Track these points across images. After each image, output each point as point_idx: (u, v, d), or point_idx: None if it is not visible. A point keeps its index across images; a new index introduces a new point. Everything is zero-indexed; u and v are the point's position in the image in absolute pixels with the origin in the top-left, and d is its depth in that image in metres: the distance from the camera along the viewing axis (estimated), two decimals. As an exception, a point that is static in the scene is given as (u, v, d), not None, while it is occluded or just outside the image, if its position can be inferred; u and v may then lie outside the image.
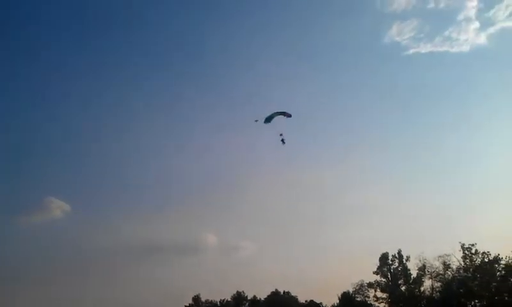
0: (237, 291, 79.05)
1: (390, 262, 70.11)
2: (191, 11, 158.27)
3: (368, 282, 70.76)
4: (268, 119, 39.26)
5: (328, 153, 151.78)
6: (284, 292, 78.15)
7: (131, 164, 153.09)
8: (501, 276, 64.22)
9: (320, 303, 75.39)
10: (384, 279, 69.88)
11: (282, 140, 39.93)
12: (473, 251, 65.48)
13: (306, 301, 76.32)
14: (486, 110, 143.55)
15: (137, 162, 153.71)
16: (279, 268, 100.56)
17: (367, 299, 70.76)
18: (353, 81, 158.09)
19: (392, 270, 69.75)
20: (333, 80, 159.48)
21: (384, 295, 69.33)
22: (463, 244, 65.79)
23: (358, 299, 71.01)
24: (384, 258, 70.44)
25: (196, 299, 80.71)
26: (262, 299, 78.15)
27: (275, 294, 77.54)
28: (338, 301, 72.85)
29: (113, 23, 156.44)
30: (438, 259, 66.71)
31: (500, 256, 64.33)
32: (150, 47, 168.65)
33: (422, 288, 68.10)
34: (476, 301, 65.39)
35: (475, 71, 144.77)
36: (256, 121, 39.81)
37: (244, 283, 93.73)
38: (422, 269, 67.81)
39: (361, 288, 70.96)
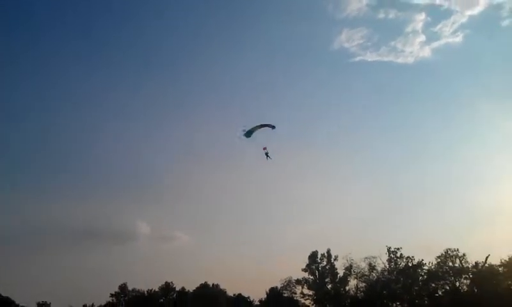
0: (166, 282, 76.76)
1: (319, 260, 70.05)
2: None
3: (296, 279, 70.58)
4: (248, 134, 35.89)
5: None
6: (213, 285, 76.78)
7: (72, 145, 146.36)
8: (423, 281, 65.64)
9: (248, 297, 74.64)
10: (312, 277, 69.84)
11: (266, 154, 36.84)
12: (398, 255, 66.52)
13: (234, 295, 75.35)
14: (424, 119, 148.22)
15: (78, 144, 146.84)
16: (210, 261, 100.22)
17: (293, 295, 70.69)
18: (304, 86, 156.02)
19: (320, 269, 69.65)
20: (282, 79, 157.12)
21: (311, 292, 69.42)
22: (389, 247, 66.72)
23: (285, 295, 70.76)
24: (313, 256, 70.25)
25: (123, 287, 77.70)
26: (191, 290, 76.39)
27: (204, 286, 75.96)
28: (266, 296, 72.15)
29: None
30: (365, 261, 67.41)
31: (424, 262, 65.79)
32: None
33: (347, 287, 68.73)
34: (398, 303, 66.64)
35: (417, 83, 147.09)
36: (241, 133, 36.51)
37: (174, 273, 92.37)
38: (349, 269, 68.30)
39: (289, 284, 70.72)
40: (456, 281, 65.01)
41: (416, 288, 65.55)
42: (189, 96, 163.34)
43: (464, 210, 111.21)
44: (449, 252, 64.86)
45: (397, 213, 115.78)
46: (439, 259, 65.06)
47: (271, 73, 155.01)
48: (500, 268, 64.06)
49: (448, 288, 64.98)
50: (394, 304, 66.47)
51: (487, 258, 63.71)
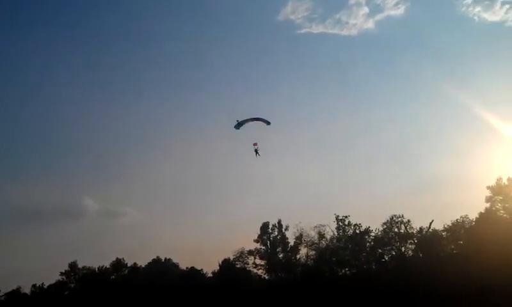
0: (117, 258, 75.26)
1: (270, 231, 70.46)
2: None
3: (248, 249, 70.86)
4: (238, 126, 33.54)
5: (221, 124, 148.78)
6: (165, 259, 75.98)
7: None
8: (370, 247, 67.24)
9: (201, 270, 74.41)
10: (263, 247, 70.23)
11: (256, 150, 34.48)
12: (346, 223, 67.73)
13: (187, 268, 74.88)
14: (368, 92, 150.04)
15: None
16: (162, 236, 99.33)
17: (246, 265, 70.94)
18: (248, 53, 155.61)
19: (271, 239, 70.11)
20: (229, 51, 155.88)
21: (263, 262, 69.93)
22: (338, 216, 67.86)
23: (238, 266, 70.91)
24: (265, 226, 70.64)
25: (73, 265, 75.64)
26: (143, 266, 75.37)
27: (156, 261, 75.03)
28: (218, 268, 72.09)
29: None
30: (314, 229, 68.42)
31: (371, 229, 67.32)
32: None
33: (298, 256, 69.59)
34: (347, 269, 68.07)
35: (362, 55, 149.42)
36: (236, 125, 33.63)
37: (125, 250, 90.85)
38: (299, 238, 69.16)
39: (241, 255, 70.84)
40: (402, 247, 67.07)
41: (364, 254, 67.15)
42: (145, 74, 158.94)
43: (409, 177, 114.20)
44: (394, 218, 66.54)
45: (345, 183, 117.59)
46: (385, 226, 66.73)
47: (214, 44, 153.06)
48: (443, 233, 66.55)
49: (394, 253, 66.97)
50: (343, 270, 67.86)
51: (431, 223, 65.94)
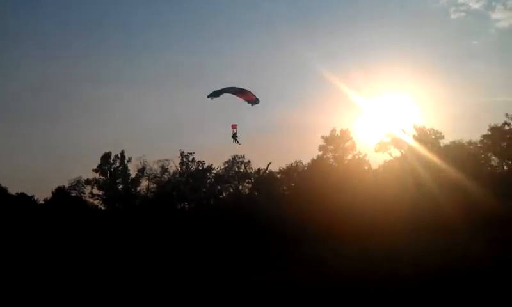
0: None
1: (112, 162, 67.59)
2: None
3: (86, 179, 67.54)
4: (214, 95, 23.28)
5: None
6: (-9, 183, 68.82)
7: None
8: (210, 183, 69.17)
9: (32, 196, 69.38)
10: (103, 177, 67.51)
11: (234, 136, 24.88)
12: (190, 159, 68.07)
13: (17, 194, 69.08)
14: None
15: None
16: None
17: (82, 195, 67.98)
18: None
19: (112, 170, 67.53)
20: None
21: (101, 193, 67.65)
22: (183, 152, 67.69)
23: (73, 195, 67.57)
24: (106, 157, 67.41)
25: None
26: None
27: (-22, 184, 67.62)
28: (51, 195, 67.94)
29: None
30: (158, 163, 67.55)
31: (213, 166, 68.88)
32: None
33: (138, 188, 68.60)
34: (186, 203, 69.66)
35: None
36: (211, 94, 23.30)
37: None
38: (142, 171, 67.77)
39: (77, 184, 67.34)
40: (240, 185, 70.37)
41: (204, 190, 68.94)
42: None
43: (257, 121, 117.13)
44: (236, 158, 68.91)
45: (193, 120, 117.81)
46: (226, 165, 68.85)
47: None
48: (278, 175, 71.24)
49: (232, 190, 70.12)
50: (182, 204, 69.37)
51: (268, 165, 69.77)
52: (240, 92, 23.63)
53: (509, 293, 15.79)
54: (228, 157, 68.78)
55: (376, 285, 19.27)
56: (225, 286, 22.21)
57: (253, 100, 23.85)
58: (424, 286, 17.90)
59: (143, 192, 68.37)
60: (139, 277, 27.06)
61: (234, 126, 24.85)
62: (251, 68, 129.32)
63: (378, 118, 77.96)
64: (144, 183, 68.25)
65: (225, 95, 23.39)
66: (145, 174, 67.77)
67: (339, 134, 69.91)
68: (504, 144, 64.86)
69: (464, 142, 65.65)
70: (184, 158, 67.40)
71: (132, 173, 67.77)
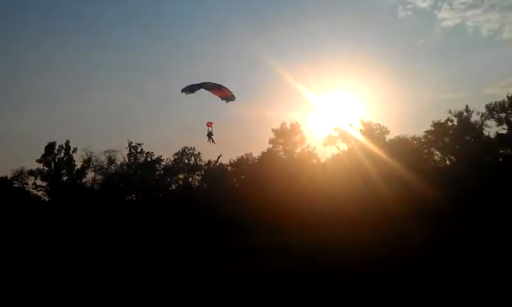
0: None
1: (56, 152, 65.90)
2: None
3: (29, 169, 65.62)
4: (189, 90, 21.70)
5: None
6: None
7: None
8: (159, 175, 68.47)
9: (-28, 187, 66.87)
10: (47, 168, 65.72)
11: (209, 134, 23.15)
12: (139, 150, 67.10)
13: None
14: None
15: None
16: None
17: (25, 186, 66.03)
18: None
19: (56, 160, 65.84)
20: None
21: (44, 184, 65.87)
22: (131, 142, 66.68)
23: (16, 185, 65.54)
24: (50, 147, 65.67)
25: None
26: None
27: None
28: (-8, 187, 65.56)
29: None
30: (105, 154, 66.39)
31: (162, 158, 68.19)
32: None
33: (84, 180, 67.18)
34: (133, 195, 68.73)
35: None
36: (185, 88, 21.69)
37: None
38: (87, 162, 66.41)
39: (20, 174, 65.34)
40: (190, 177, 69.98)
41: (152, 182, 68.16)
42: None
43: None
44: (186, 150, 68.39)
45: (142, 111, 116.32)
46: (176, 157, 68.26)
47: None
48: (228, 168, 71.23)
49: (181, 183, 69.65)
50: (130, 196, 68.42)
51: (219, 157, 69.17)
52: (216, 88, 22.47)
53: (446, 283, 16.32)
54: (178, 148, 68.30)
55: (321, 276, 19.44)
56: (169, 276, 22.08)
57: (229, 97, 22.65)
58: (368, 277, 18.13)
59: (88, 184, 67.02)
60: (82, 270, 26.35)
61: (209, 125, 23.40)
62: (202, 61, 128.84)
63: (327, 112, 79.11)
64: (90, 175, 67.01)
65: (200, 90, 22.21)
66: (91, 165, 66.51)
67: (289, 128, 70.49)
68: (446, 139, 66.92)
69: (408, 137, 67.36)
70: (132, 149, 66.41)
71: (78, 164, 66.32)
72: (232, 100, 22.76)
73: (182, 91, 21.63)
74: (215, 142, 23.72)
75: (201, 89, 22.07)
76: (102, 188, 66.12)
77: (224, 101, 22.69)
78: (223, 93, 22.50)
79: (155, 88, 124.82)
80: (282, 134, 70.28)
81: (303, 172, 65.37)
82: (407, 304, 14.35)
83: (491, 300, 13.83)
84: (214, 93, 22.54)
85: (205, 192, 67.09)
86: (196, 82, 21.97)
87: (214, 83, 22.33)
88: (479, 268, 18.87)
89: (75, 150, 66.33)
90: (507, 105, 66.67)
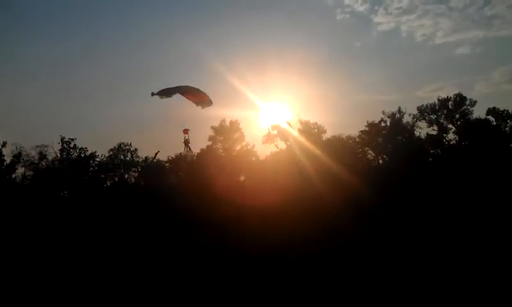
0: None
1: (-17, 146, 63.22)
2: None
3: (-47, 164, 62.63)
4: (165, 94, 19.22)
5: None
6: None
7: None
8: (93, 172, 67.10)
9: None
10: (-28, 163, 63.01)
11: (186, 142, 21.11)
12: (72, 146, 65.41)
13: None
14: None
15: None
16: None
17: (-51, 181, 63.02)
18: None
19: (-17, 155, 63.22)
20: None
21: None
22: (63, 137, 64.93)
23: None
24: (-24, 140, 62.89)
25: None
26: None
27: None
28: None
29: None
30: (36, 149, 64.23)
31: (97, 154, 66.80)
32: None
33: (13, 175, 64.86)
34: (66, 192, 67.01)
35: None
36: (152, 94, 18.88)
37: None
38: (17, 157, 64.04)
39: None
40: (126, 174, 68.97)
41: (86, 178, 66.62)
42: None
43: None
44: (122, 146, 67.35)
45: (75, 105, 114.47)
46: (111, 153, 67.13)
47: None
48: (166, 164, 70.67)
49: (117, 179, 68.54)
50: (62, 193, 66.64)
51: (156, 153, 69.10)
52: (193, 92, 20.47)
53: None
54: (113, 144, 67.12)
55: (258, 270, 19.37)
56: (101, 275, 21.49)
57: (207, 102, 20.57)
58: (305, 270, 18.21)
59: (18, 180, 64.74)
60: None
61: (186, 131, 21.82)
62: (141, 59, 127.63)
63: (266, 111, 79.69)
64: (20, 170, 64.69)
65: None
66: (21, 160, 64.17)
67: (228, 125, 70.60)
68: (379, 139, 68.89)
69: (343, 136, 68.87)
70: (65, 145, 64.58)
71: (7, 158, 63.84)
72: (209, 106, 20.80)
73: (155, 94, 19.50)
74: (192, 149, 22.51)
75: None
76: (32, 184, 64.03)
77: (199, 106, 20.65)
78: (200, 97, 20.70)
79: (92, 84, 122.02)
80: (221, 132, 70.38)
81: (242, 169, 65.90)
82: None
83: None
84: (189, 98, 20.71)
85: (142, 188, 66.40)
86: (172, 86, 20.01)
87: (192, 87, 20.57)
88: (404, 256, 19.59)
89: (4, 145, 63.58)
90: (437, 107, 69.43)
